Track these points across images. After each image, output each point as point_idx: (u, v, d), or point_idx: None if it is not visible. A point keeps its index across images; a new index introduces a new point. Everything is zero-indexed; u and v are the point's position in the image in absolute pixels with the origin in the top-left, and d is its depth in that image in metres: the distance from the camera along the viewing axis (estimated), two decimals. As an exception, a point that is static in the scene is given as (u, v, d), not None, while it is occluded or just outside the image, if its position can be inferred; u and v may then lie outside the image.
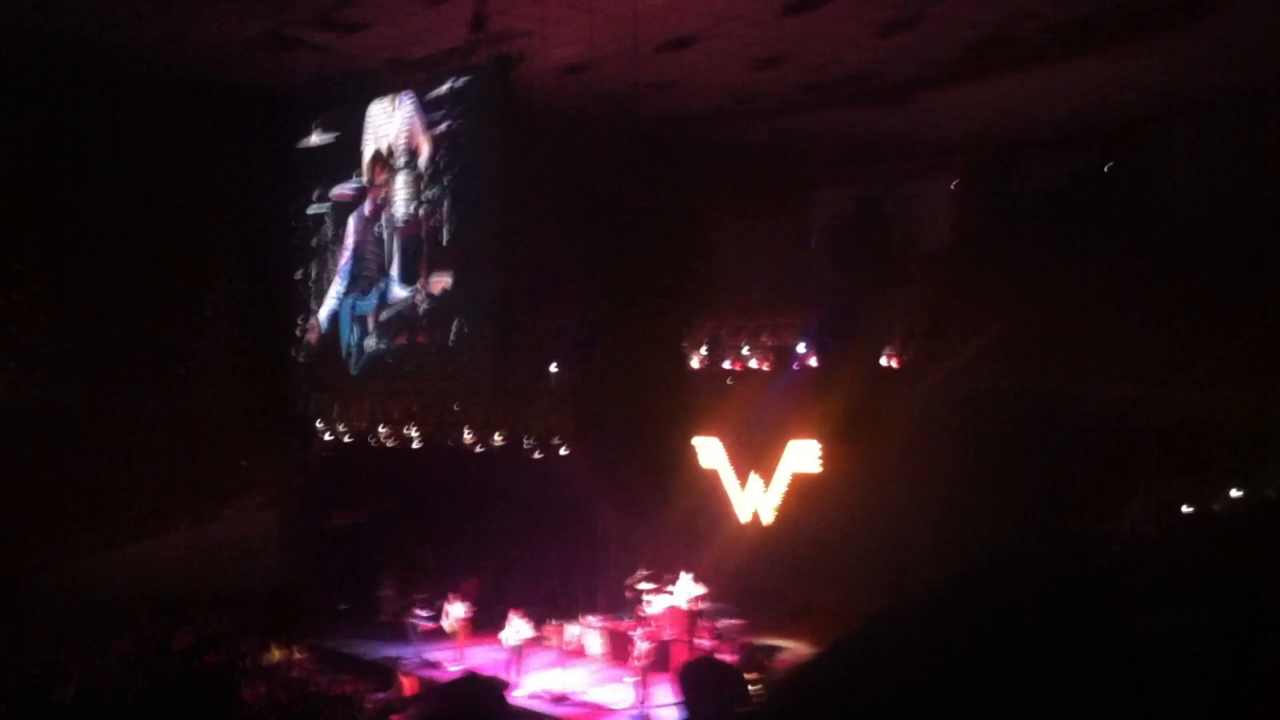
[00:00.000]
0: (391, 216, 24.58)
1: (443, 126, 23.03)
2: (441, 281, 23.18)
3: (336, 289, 25.88)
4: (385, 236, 25.06)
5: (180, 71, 21.59)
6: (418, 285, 23.81)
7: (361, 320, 25.14)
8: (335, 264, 26.12)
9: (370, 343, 24.66)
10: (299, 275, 26.28)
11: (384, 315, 24.64)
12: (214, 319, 25.48)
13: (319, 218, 26.30)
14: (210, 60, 21.09)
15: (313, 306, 26.25)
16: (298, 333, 26.16)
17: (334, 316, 25.71)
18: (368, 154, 25.33)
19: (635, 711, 19.09)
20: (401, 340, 23.93)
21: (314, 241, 26.30)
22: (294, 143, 25.75)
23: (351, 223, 25.96)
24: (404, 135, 24.23)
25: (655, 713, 18.82)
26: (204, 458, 24.22)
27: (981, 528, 18.03)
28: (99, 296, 23.12)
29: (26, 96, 20.94)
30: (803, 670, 2.49)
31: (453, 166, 23.02)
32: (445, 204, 23.13)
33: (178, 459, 23.75)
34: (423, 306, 23.57)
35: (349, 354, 25.07)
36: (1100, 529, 16.94)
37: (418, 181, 23.99)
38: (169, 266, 24.22)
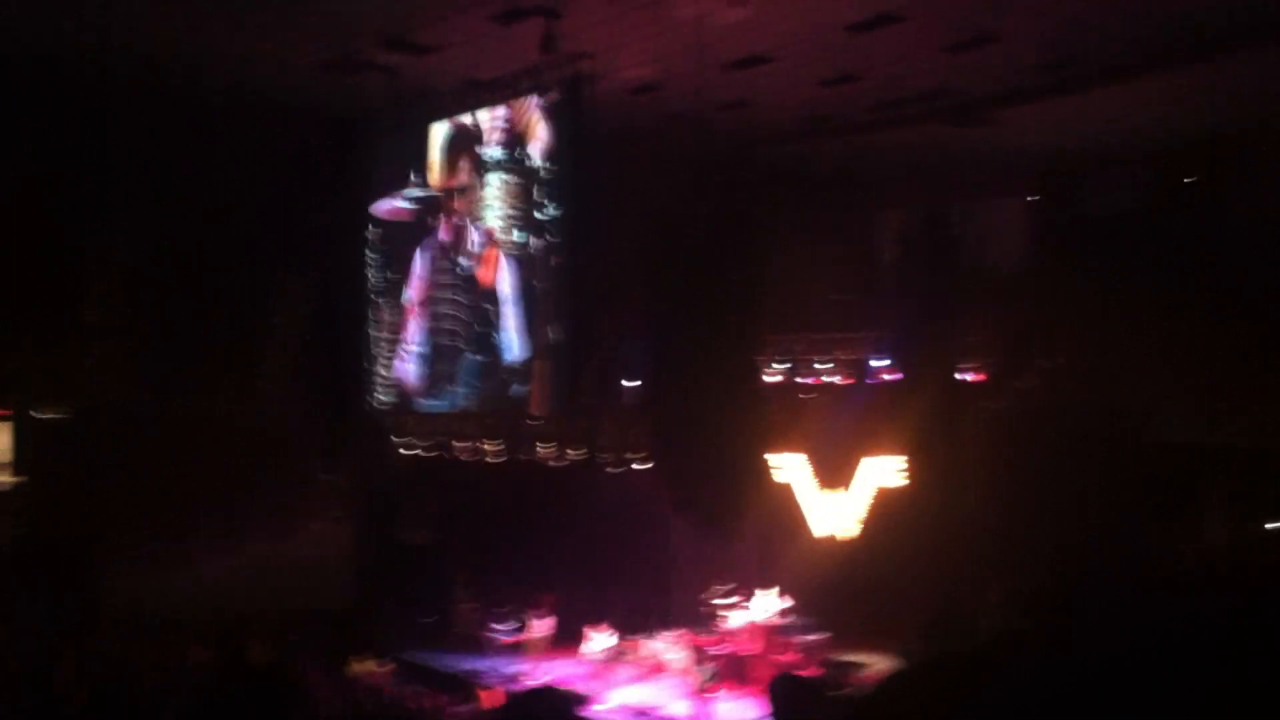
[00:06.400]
0: (482, 241, 18.40)
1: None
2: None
3: (410, 353, 19.84)
4: (473, 276, 18.38)
5: (247, 92, 20.29)
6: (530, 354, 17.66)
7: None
8: (397, 320, 19.89)
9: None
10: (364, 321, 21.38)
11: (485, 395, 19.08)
12: (286, 334, 24.95)
13: (373, 243, 20.62)
14: (275, 83, 19.80)
15: (376, 366, 20.75)
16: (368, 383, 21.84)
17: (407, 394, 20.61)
18: (437, 142, 18.85)
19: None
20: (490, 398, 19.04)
21: (372, 278, 20.63)
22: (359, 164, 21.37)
23: (417, 261, 19.24)
24: (504, 115, 17.81)
25: None
26: (277, 473, 24.23)
27: (1059, 543, 17.86)
28: (172, 311, 23.21)
29: (95, 116, 21.03)
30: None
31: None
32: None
33: (250, 474, 23.82)
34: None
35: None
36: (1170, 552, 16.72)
37: (528, 187, 17.24)
38: (240, 282, 23.90)
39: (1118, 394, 18.89)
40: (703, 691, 18.95)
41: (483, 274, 18.47)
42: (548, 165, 16.90)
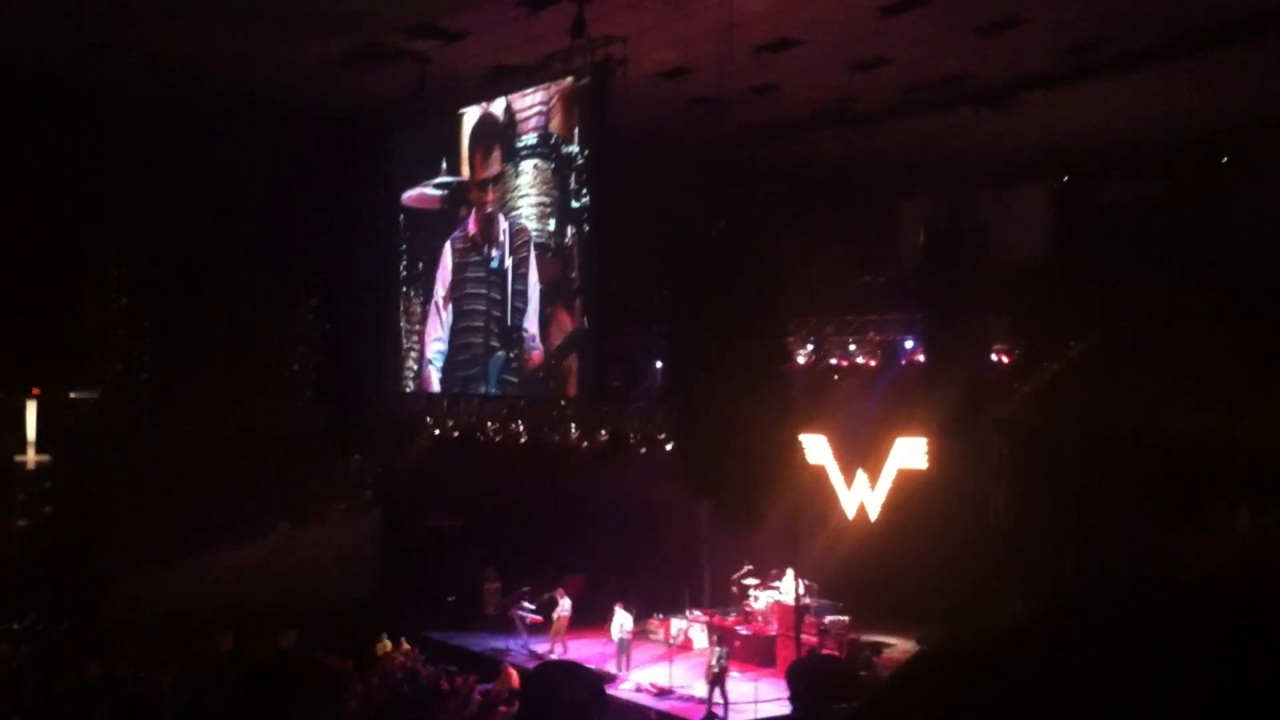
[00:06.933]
0: (512, 233, 17.85)
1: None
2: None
3: (435, 352, 19.66)
4: (503, 269, 18.01)
5: (268, 90, 20.32)
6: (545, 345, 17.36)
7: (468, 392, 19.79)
8: (425, 310, 19.63)
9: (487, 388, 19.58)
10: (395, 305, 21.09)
11: (508, 383, 18.84)
12: (297, 333, 23.93)
13: (396, 235, 20.32)
14: (300, 78, 19.73)
15: (405, 356, 20.65)
16: (399, 372, 21.66)
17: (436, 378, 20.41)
18: (467, 130, 18.54)
19: (705, 711, 19.03)
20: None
21: (403, 267, 20.38)
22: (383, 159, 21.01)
23: (446, 254, 18.93)
24: (540, 100, 17.52)
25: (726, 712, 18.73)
26: (292, 468, 23.76)
27: (1081, 530, 17.82)
28: (183, 311, 23.15)
29: (107, 120, 20.88)
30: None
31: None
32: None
33: (277, 463, 23.40)
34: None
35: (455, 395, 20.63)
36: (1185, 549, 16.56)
37: (563, 176, 16.92)
38: (248, 283, 22.97)
39: (1122, 392, 18.73)
40: (716, 672, 19.07)
41: (512, 266, 18.37)
42: (582, 151, 16.73)
